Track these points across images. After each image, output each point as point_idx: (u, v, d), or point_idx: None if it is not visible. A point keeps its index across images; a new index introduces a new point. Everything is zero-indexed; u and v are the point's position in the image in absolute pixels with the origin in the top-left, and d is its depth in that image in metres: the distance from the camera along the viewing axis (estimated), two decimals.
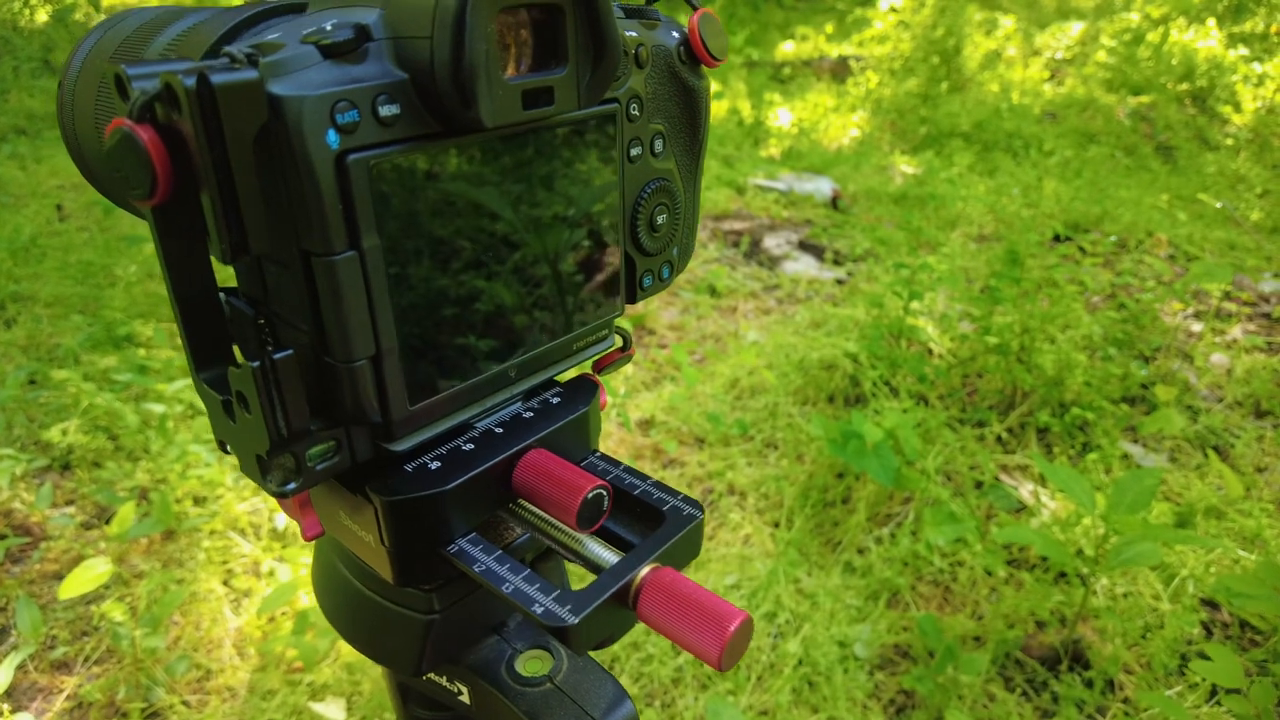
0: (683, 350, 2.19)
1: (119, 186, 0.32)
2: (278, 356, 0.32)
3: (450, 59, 0.32)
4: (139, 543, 1.73)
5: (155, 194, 0.30)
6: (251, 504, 1.79)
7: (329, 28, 0.32)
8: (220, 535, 1.73)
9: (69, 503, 1.86)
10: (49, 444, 1.96)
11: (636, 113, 0.43)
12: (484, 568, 0.38)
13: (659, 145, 0.46)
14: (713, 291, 3.00)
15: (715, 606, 0.35)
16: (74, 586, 1.37)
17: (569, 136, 0.39)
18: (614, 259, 0.44)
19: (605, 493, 0.39)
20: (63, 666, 1.51)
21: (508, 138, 0.36)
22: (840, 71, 6.12)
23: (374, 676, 1.51)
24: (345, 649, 1.53)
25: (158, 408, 1.99)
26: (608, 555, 0.39)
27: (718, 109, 5.23)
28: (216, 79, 0.28)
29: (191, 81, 0.28)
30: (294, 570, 1.64)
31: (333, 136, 0.31)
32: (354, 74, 0.32)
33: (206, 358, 0.35)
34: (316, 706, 1.41)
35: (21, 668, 1.48)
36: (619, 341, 0.51)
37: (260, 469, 0.34)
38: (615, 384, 2.34)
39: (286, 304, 0.35)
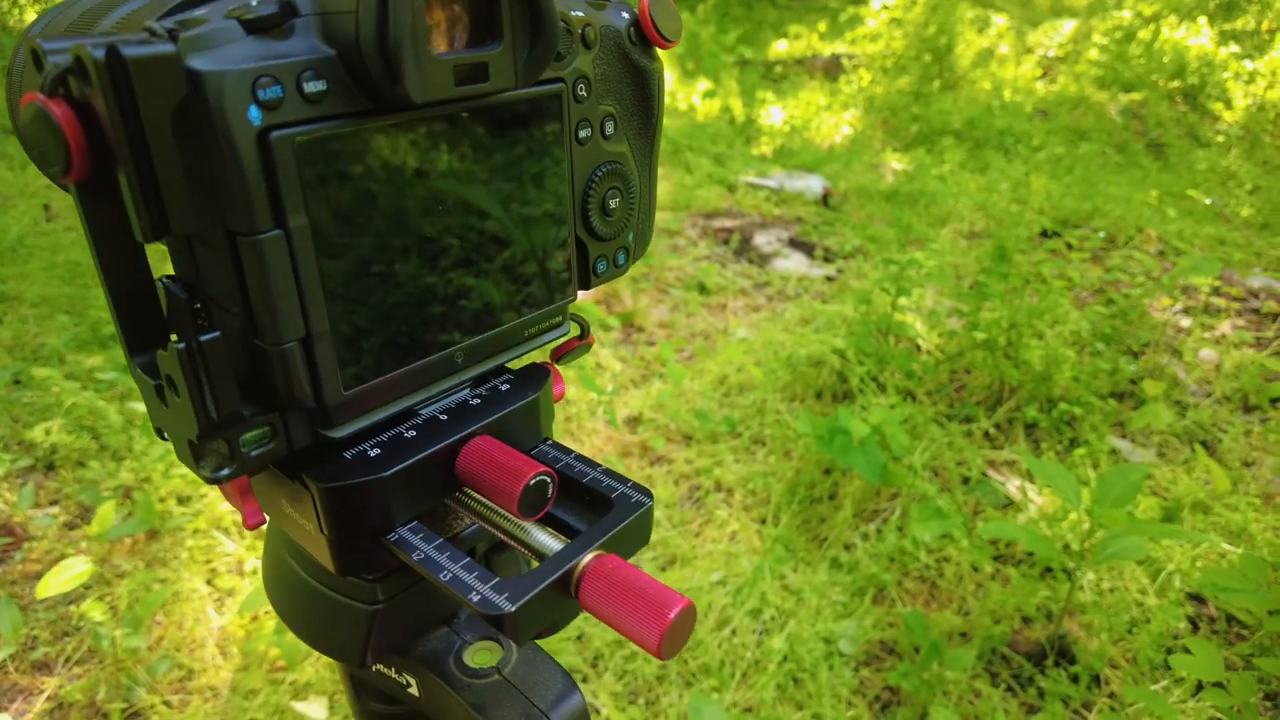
0: (670, 348, 2.18)
1: (36, 163, 0.31)
2: (204, 338, 0.32)
3: (375, 33, 0.31)
4: (122, 542, 1.72)
5: (72, 171, 0.30)
6: None
7: (254, 3, 0.32)
8: (204, 534, 1.72)
9: (52, 503, 1.85)
10: (32, 444, 1.95)
11: (584, 94, 0.42)
12: (422, 556, 0.37)
13: (610, 128, 0.45)
14: (702, 289, 2.99)
15: (657, 594, 0.35)
16: (51, 586, 1.36)
17: (511, 116, 0.38)
18: (564, 243, 0.44)
19: (549, 479, 0.39)
20: (43, 667, 1.50)
21: (445, 117, 0.36)
22: (833, 70, 6.12)
23: None
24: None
25: (141, 407, 1.98)
26: (552, 543, 0.39)
27: (709, 108, 5.23)
28: (128, 52, 0.27)
29: (101, 54, 0.27)
30: None
31: (255, 112, 0.30)
32: (278, 49, 0.31)
33: (140, 341, 0.35)
34: (299, 705, 1.40)
35: (1, 668, 1.47)
36: (576, 329, 0.50)
37: (193, 454, 0.34)
38: (602, 381, 2.34)
39: (217, 286, 0.34)
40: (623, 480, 0.42)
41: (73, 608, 1.58)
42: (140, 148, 0.29)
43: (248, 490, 0.40)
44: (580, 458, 0.44)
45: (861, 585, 1.71)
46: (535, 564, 0.39)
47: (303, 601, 0.44)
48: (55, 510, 1.83)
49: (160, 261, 0.35)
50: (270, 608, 1.54)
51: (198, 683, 1.47)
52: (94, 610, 1.50)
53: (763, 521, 1.90)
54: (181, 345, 0.31)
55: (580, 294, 0.49)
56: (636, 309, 2.77)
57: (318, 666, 1.48)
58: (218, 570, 1.67)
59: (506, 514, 0.40)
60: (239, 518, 1.77)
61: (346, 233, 0.34)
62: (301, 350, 0.34)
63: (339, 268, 0.34)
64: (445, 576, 0.36)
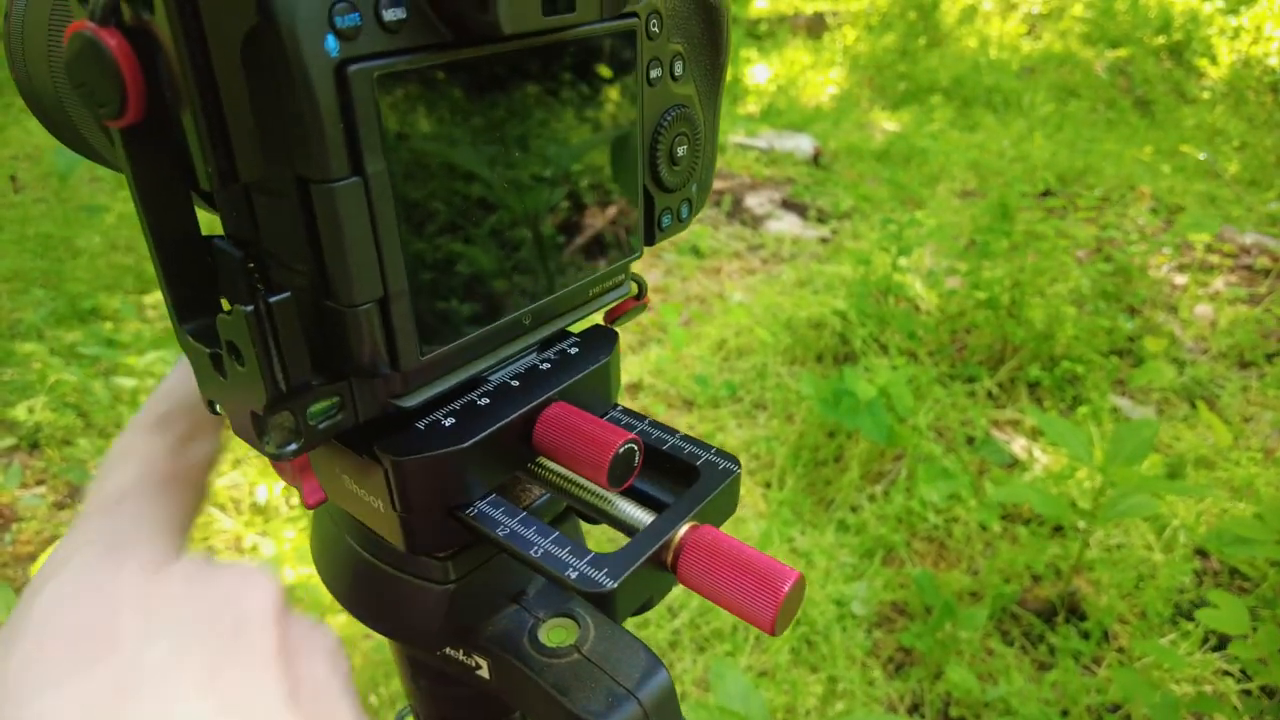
0: (672, 311, 2.16)
1: (83, 104, 0.27)
2: (273, 300, 0.28)
3: None
4: None
5: (127, 111, 0.26)
6: (231, 478, 1.74)
7: None
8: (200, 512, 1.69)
9: (39, 483, 1.81)
10: (15, 423, 1.90)
11: (656, 30, 0.39)
12: (508, 531, 0.34)
13: (679, 67, 0.41)
14: (696, 252, 2.95)
15: (765, 566, 0.32)
16: None
17: (589, 53, 0.35)
18: (633, 196, 0.41)
19: (636, 447, 0.36)
20: None
21: (525, 52, 0.32)
22: (816, 27, 6.03)
23: (363, 650, 1.48)
24: (332, 622, 1.50)
25: (128, 382, 1.93)
26: (641, 515, 0.36)
27: None
28: None
29: None
30: (277, 545, 1.60)
31: (332, 42, 0.27)
32: None
33: (190, 306, 0.31)
34: None
35: None
36: (634, 289, 0.47)
37: (256, 429, 0.31)
38: None
39: (281, 242, 0.31)
40: (705, 447, 0.40)
41: None
42: (207, 82, 0.25)
43: (307, 466, 0.37)
44: (655, 423, 0.41)
45: (870, 547, 1.71)
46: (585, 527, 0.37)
47: (368, 585, 0.41)
48: (43, 490, 1.79)
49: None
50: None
51: None
52: None
53: (768, 485, 1.89)
54: (250, 308, 0.28)
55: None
56: None
57: None
58: (215, 548, 1.64)
59: (588, 485, 0.37)
60: (235, 494, 1.73)
61: (426, 180, 0.31)
62: (378, 311, 0.31)
63: (418, 219, 0.31)
64: (536, 553, 0.33)
